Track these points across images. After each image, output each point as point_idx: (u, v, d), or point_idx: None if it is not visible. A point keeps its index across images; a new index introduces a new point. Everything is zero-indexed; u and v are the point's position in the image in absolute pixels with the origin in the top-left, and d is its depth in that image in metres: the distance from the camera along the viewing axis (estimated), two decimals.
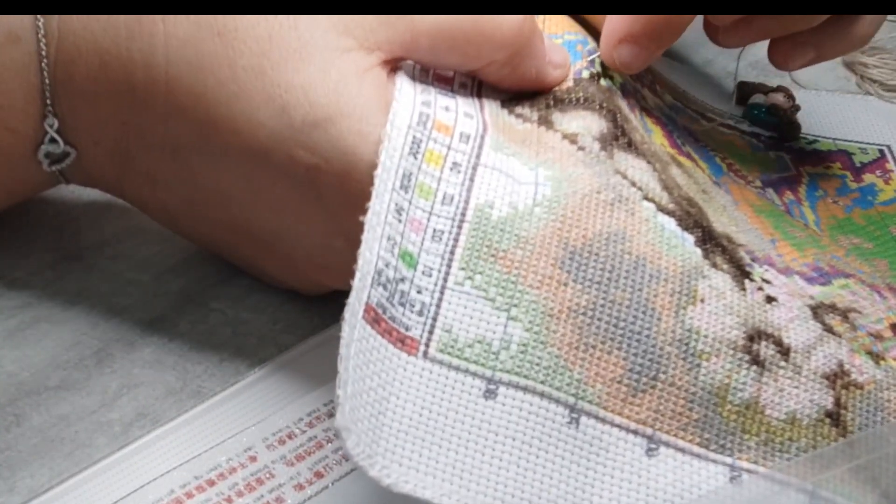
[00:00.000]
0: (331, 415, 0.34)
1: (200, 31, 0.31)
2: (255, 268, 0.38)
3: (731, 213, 0.37)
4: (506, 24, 0.32)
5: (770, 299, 0.32)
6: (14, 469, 0.32)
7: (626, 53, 0.36)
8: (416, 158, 0.31)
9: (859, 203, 0.46)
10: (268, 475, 0.32)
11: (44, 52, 0.31)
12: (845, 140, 0.49)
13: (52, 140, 0.33)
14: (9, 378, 0.34)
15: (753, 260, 0.34)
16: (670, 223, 0.32)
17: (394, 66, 0.33)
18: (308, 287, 0.37)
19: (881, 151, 0.49)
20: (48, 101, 0.32)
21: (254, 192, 0.33)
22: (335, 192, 0.31)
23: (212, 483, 0.32)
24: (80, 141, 0.33)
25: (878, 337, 0.34)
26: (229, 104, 0.31)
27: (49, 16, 0.31)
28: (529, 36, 0.33)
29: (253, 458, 0.33)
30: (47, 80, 0.32)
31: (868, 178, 0.47)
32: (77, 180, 0.35)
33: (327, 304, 0.37)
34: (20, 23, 0.31)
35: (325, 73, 0.31)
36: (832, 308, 0.34)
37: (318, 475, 0.33)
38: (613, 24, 0.36)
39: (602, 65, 0.37)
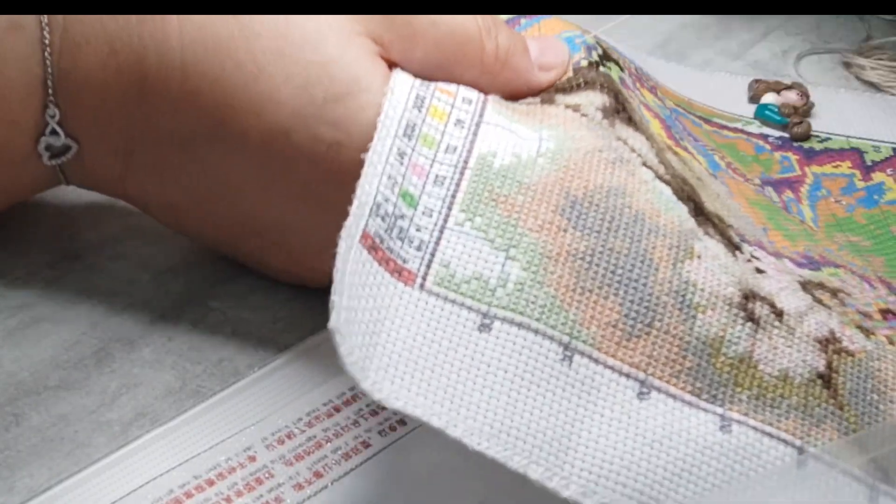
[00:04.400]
0: (330, 415, 0.34)
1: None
2: (260, 263, 0.38)
3: (724, 200, 0.37)
4: (483, 52, 0.33)
5: (759, 271, 0.33)
6: (13, 469, 0.32)
7: None
8: (420, 111, 0.31)
9: (863, 202, 0.46)
10: (267, 475, 0.32)
11: (47, 41, 0.31)
12: (859, 138, 0.49)
13: (53, 132, 0.33)
14: (8, 378, 0.34)
15: (743, 241, 0.34)
16: (667, 190, 0.32)
17: (390, 64, 0.33)
18: (317, 278, 0.37)
19: (894, 150, 0.49)
20: (50, 92, 0.32)
21: (268, 182, 0.33)
22: (358, 168, 0.31)
23: (211, 483, 0.32)
24: (83, 134, 0.33)
25: (867, 316, 0.35)
26: (248, 86, 0.31)
27: None
28: (507, 60, 0.34)
29: (252, 458, 0.33)
30: (50, 70, 0.32)
31: (877, 176, 0.47)
32: (77, 179, 0.35)
33: (328, 303, 0.37)
34: None
35: (343, 51, 0.31)
36: (821, 286, 0.35)
37: (318, 475, 0.33)
38: None
39: (600, 56, 0.37)
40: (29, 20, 0.31)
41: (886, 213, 0.45)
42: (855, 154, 0.48)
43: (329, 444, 0.33)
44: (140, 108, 0.32)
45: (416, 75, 0.33)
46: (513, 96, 0.35)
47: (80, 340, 0.36)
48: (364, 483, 0.32)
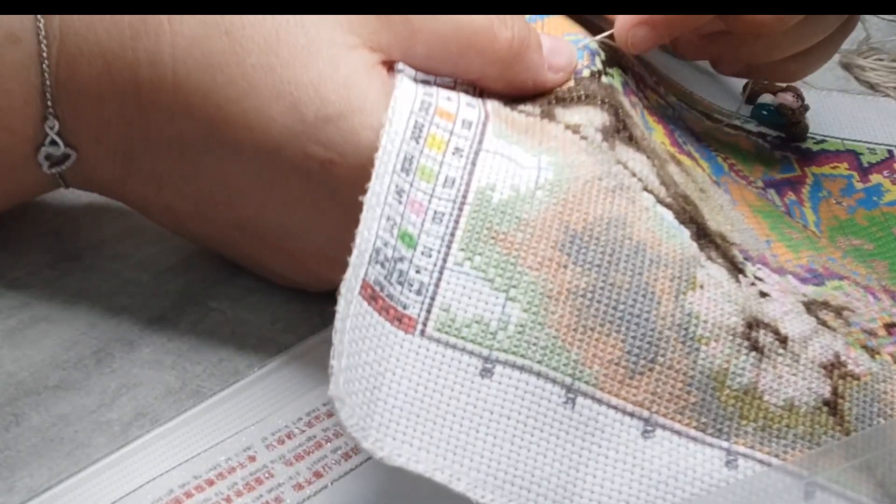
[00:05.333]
0: (330, 414, 0.34)
1: (207, 30, 0.31)
2: (259, 266, 0.38)
3: (727, 212, 0.37)
4: (496, 42, 0.33)
5: (763, 294, 0.32)
6: (13, 469, 0.32)
7: (640, 35, 0.37)
8: (417, 143, 0.31)
9: (863, 203, 0.46)
10: (267, 475, 0.32)
11: (44, 53, 0.31)
12: (854, 140, 0.49)
13: (53, 142, 0.33)
14: (8, 378, 0.34)
15: (746, 259, 0.34)
16: (668, 215, 0.32)
17: (392, 66, 0.33)
18: (315, 283, 0.37)
19: (890, 152, 0.49)
20: (49, 103, 0.32)
21: (265, 187, 0.33)
22: (350, 185, 0.31)
23: (211, 483, 0.32)
24: (82, 142, 0.33)
25: (872, 334, 0.35)
26: (239, 101, 0.31)
27: (50, 16, 0.31)
28: (520, 51, 0.33)
29: (252, 458, 0.33)
30: (48, 82, 0.32)
31: (875, 178, 0.47)
32: (77, 184, 0.35)
33: (327, 303, 0.37)
34: (20, 23, 0.31)
35: (334, 69, 0.31)
36: (825, 305, 0.34)
37: (317, 475, 0.33)
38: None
39: (603, 63, 0.37)
40: (26, 33, 0.31)
41: (887, 215, 0.45)
42: (851, 156, 0.48)
43: (329, 444, 0.33)
44: (137, 117, 0.32)
45: (420, 70, 0.33)
46: (517, 93, 0.34)
47: (80, 340, 0.36)
48: (364, 483, 0.32)
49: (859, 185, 0.47)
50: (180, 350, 0.36)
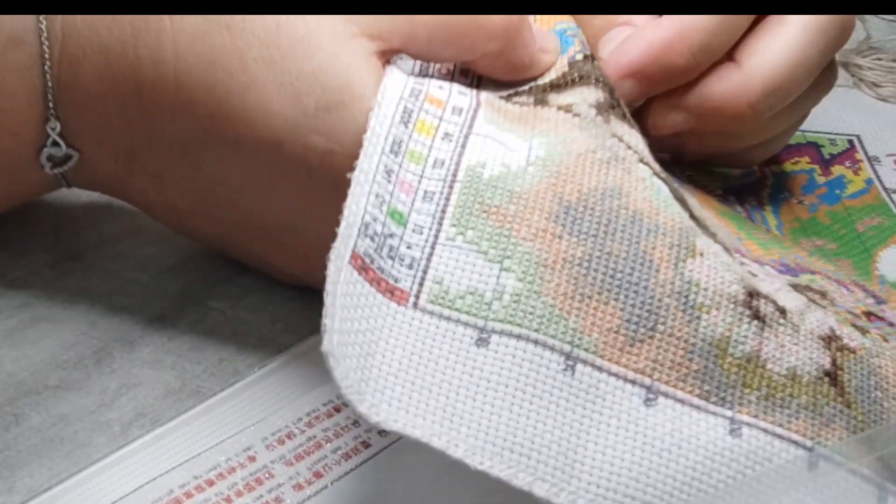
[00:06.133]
0: (330, 415, 0.34)
1: (208, 25, 0.31)
2: (262, 262, 0.38)
3: (698, 212, 0.37)
4: (497, 16, 0.33)
5: (752, 274, 0.32)
6: (13, 469, 0.32)
7: (626, 88, 0.38)
8: (406, 127, 0.31)
9: (825, 199, 0.45)
10: (267, 475, 0.32)
11: (46, 55, 0.31)
12: (814, 131, 0.49)
13: (55, 143, 0.33)
14: (8, 378, 0.34)
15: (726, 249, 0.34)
16: (664, 187, 0.32)
17: (388, 58, 0.33)
18: (319, 279, 0.37)
19: (850, 142, 0.49)
20: (50, 104, 0.32)
21: (267, 185, 0.33)
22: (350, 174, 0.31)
23: (211, 483, 0.32)
24: (84, 143, 0.33)
25: (856, 316, 0.35)
26: (241, 96, 0.31)
27: (52, 17, 0.31)
28: (519, 26, 0.34)
29: (252, 458, 0.33)
30: (50, 83, 0.32)
31: (837, 170, 0.47)
32: (79, 183, 0.35)
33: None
34: (22, 25, 0.31)
35: (334, 58, 0.31)
36: (808, 289, 0.34)
37: (318, 475, 0.33)
38: (618, 60, 0.38)
39: None
40: (29, 34, 0.31)
41: (849, 209, 0.45)
42: (812, 148, 0.48)
43: (329, 444, 0.33)
44: (139, 116, 0.33)
45: (422, 57, 0.33)
46: (514, 73, 0.34)
47: (80, 340, 0.36)
48: (364, 483, 0.32)
49: (821, 180, 0.47)
50: (180, 350, 0.36)
